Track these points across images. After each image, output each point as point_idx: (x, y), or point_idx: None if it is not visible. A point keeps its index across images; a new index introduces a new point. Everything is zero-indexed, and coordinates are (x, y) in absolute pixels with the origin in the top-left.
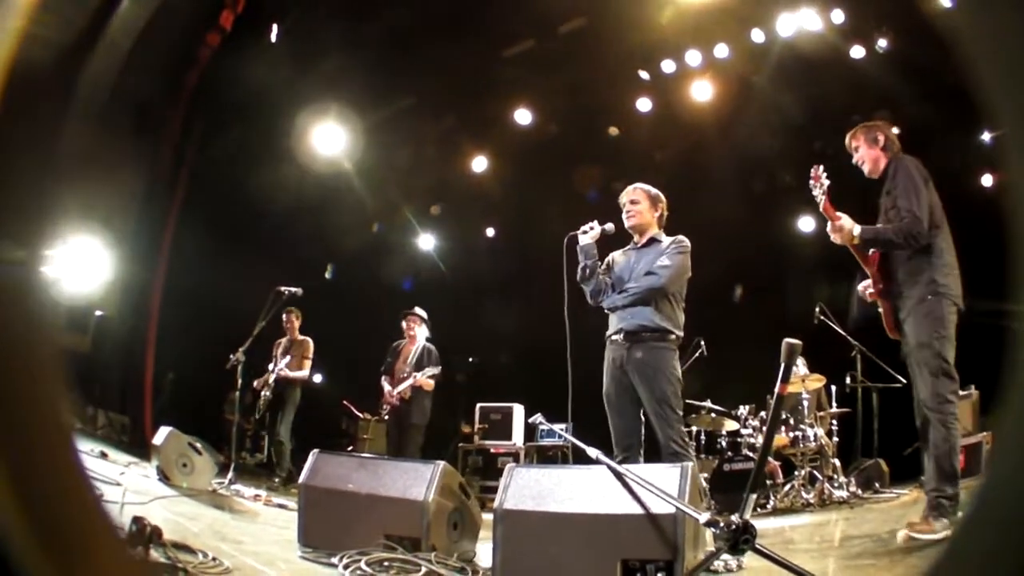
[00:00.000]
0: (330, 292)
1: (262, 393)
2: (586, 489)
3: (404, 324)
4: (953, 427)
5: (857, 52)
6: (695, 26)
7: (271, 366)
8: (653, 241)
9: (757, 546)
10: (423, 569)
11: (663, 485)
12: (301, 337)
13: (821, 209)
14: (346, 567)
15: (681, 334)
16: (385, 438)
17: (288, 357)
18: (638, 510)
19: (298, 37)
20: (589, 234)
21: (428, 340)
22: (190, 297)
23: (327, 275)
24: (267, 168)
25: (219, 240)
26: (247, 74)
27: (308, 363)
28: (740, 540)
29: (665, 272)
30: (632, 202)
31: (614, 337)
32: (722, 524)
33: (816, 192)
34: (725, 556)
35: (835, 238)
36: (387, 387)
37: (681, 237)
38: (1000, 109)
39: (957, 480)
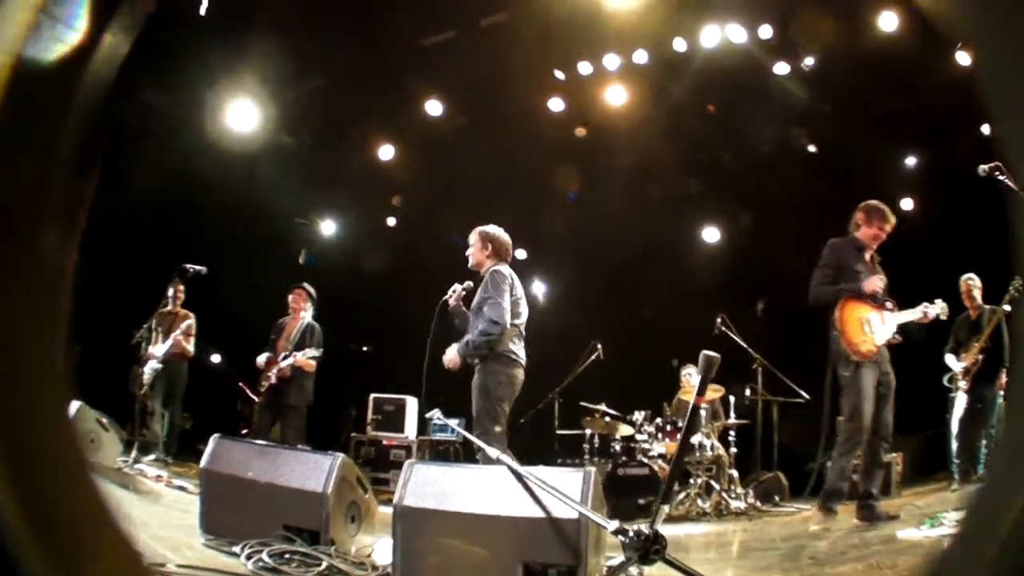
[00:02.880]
0: (229, 272)
1: (149, 365)
2: (487, 489)
3: (290, 298)
4: None
5: (781, 68)
6: (616, 30)
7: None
8: (482, 278)
9: (667, 557)
10: (324, 563)
11: (565, 489)
12: (184, 311)
13: None
14: (248, 558)
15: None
16: (258, 419)
17: (178, 330)
18: (540, 513)
19: (223, 9)
20: (452, 297)
21: (313, 319)
22: (96, 269)
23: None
24: (182, 141)
25: (129, 212)
26: (172, 45)
27: (192, 339)
28: (651, 550)
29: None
30: (469, 244)
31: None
32: (632, 534)
33: None
34: (632, 568)
35: None
36: (260, 361)
37: (495, 268)
38: (1000, 109)
39: None
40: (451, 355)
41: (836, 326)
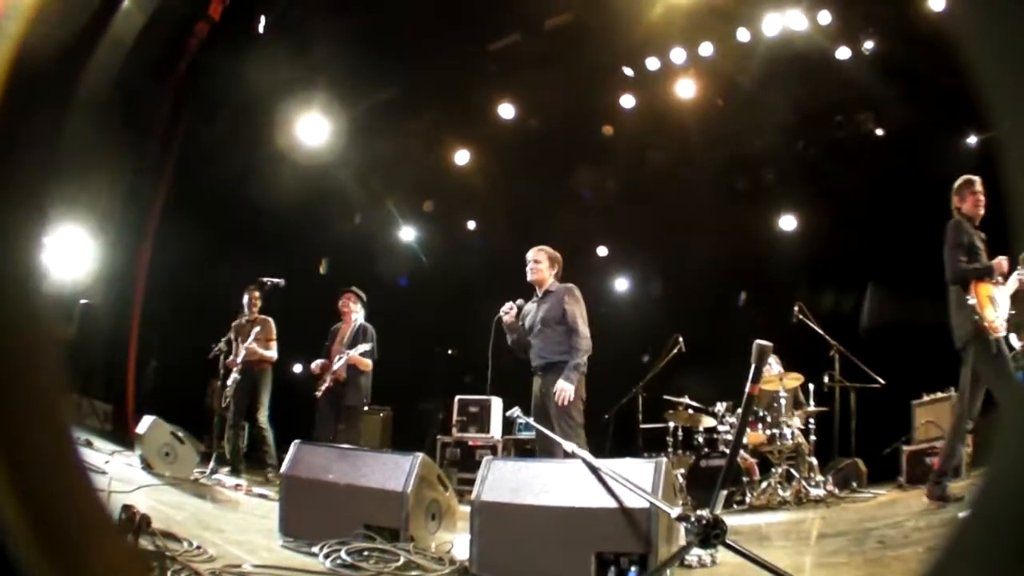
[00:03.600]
0: (310, 284)
1: (231, 375)
2: (562, 482)
3: (340, 303)
4: None
5: (843, 53)
6: (681, 24)
7: (233, 348)
8: (547, 293)
9: (728, 541)
10: (402, 559)
11: (638, 480)
12: (263, 316)
13: None
14: (326, 556)
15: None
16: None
17: (251, 337)
18: (612, 504)
19: (285, 28)
20: (509, 314)
21: (366, 320)
22: (174, 286)
23: (322, 270)
24: (253, 158)
25: (204, 230)
26: (235, 65)
27: (273, 344)
28: (710, 535)
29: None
30: (536, 261)
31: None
32: (692, 519)
33: None
34: (700, 551)
35: None
36: (315, 365)
37: (571, 286)
38: (999, 110)
39: None
40: (565, 387)
41: (973, 305)
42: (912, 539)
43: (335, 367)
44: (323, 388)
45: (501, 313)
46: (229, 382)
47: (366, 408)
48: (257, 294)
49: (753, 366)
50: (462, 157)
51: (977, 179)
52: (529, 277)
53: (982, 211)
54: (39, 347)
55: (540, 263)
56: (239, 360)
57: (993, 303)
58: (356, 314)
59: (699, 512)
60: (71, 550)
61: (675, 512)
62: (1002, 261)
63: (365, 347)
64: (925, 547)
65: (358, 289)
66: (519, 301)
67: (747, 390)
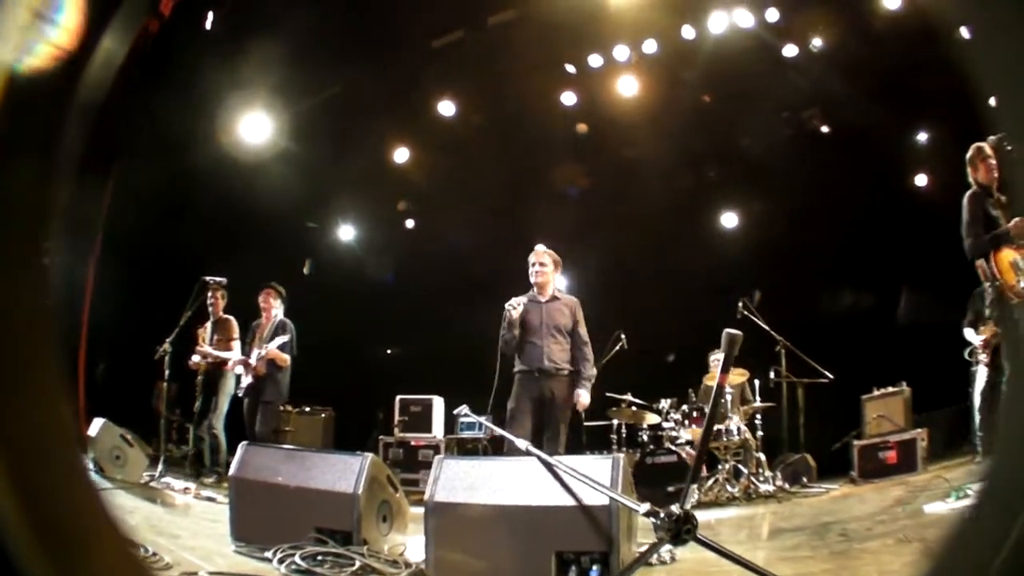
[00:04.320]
0: (252, 284)
1: (198, 377)
2: (517, 481)
3: (260, 299)
4: None
5: (790, 51)
6: (625, 21)
7: (195, 356)
8: (554, 298)
9: (699, 536)
10: (357, 563)
11: (595, 476)
12: (225, 316)
13: None
14: (280, 561)
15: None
16: (246, 421)
17: (214, 338)
18: (571, 502)
19: (231, 23)
20: (518, 310)
21: (285, 316)
22: (120, 287)
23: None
24: (197, 155)
25: (149, 229)
26: (183, 60)
27: (235, 343)
28: (682, 531)
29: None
30: (542, 264)
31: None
32: (663, 515)
33: None
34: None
35: None
36: (233, 362)
37: (577, 300)
38: (1000, 110)
39: None
40: (585, 397)
41: (993, 276)
42: (877, 532)
43: (253, 362)
44: (244, 386)
45: (509, 308)
46: (198, 381)
47: (291, 408)
48: (221, 295)
49: (722, 355)
50: (402, 155)
51: (986, 144)
52: (534, 279)
53: (996, 174)
54: (40, 346)
55: (546, 267)
56: (202, 360)
57: (1016, 269)
58: (276, 310)
59: (670, 508)
60: (71, 550)
61: (643, 508)
62: (1019, 221)
63: (283, 339)
64: (894, 538)
65: (278, 285)
66: (520, 298)
67: (717, 380)
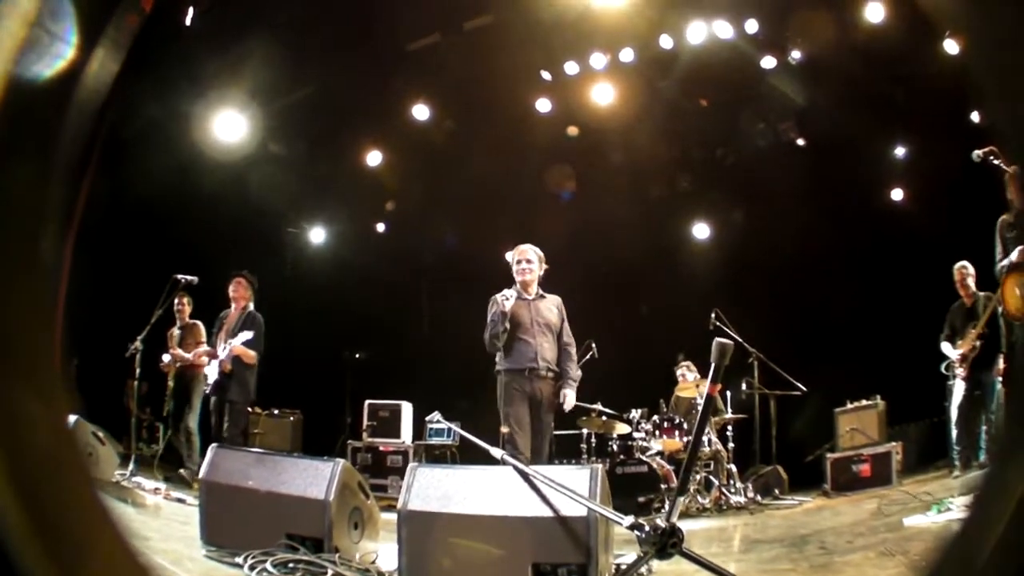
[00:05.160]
0: (221, 283)
1: (169, 381)
2: (493, 490)
3: (230, 288)
4: None
5: (768, 62)
6: (602, 29)
7: (166, 356)
8: (541, 296)
9: (684, 550)
10: (329, 571)
11: (573, 487)
12: (192, 321)
13: None
14: (251, 568)
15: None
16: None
17: (184, 342)
18: (548, 512)
19: (210, 20)
20: (510, 301)
21: (254, 308)
22: (93, 283)
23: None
24: (173, 155)
25: (120, 224)
26: (160, 57)
27: (203, 346)
28: (667, 544)
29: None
30: (528, 261)
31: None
32: (648, 528)
33: None
34: (630, 561)
35: None
36: (199, 352)
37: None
38: (998, 110)
39: None
40: (573, 400)
41: (1002, 305)
42: (858, 544)
43: (221, 357)
44: (211, 382)
45: (501, 299)
46: (168, 387)
47: (259, 410)
48: (187, 301)
49: (713, 365)
50: (375, 158)
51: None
52: (520, 278)
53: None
54: (40, 346)
55: (532, 263)
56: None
57: (1019, 289)
58: (247, 301)
59: (655, 520)
60: (72, 550)
61: (627, 521)
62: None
63: (246, 335)
64: (875, 551)
65: (250, 274)
66: (508, 292)
67: (706, 390)
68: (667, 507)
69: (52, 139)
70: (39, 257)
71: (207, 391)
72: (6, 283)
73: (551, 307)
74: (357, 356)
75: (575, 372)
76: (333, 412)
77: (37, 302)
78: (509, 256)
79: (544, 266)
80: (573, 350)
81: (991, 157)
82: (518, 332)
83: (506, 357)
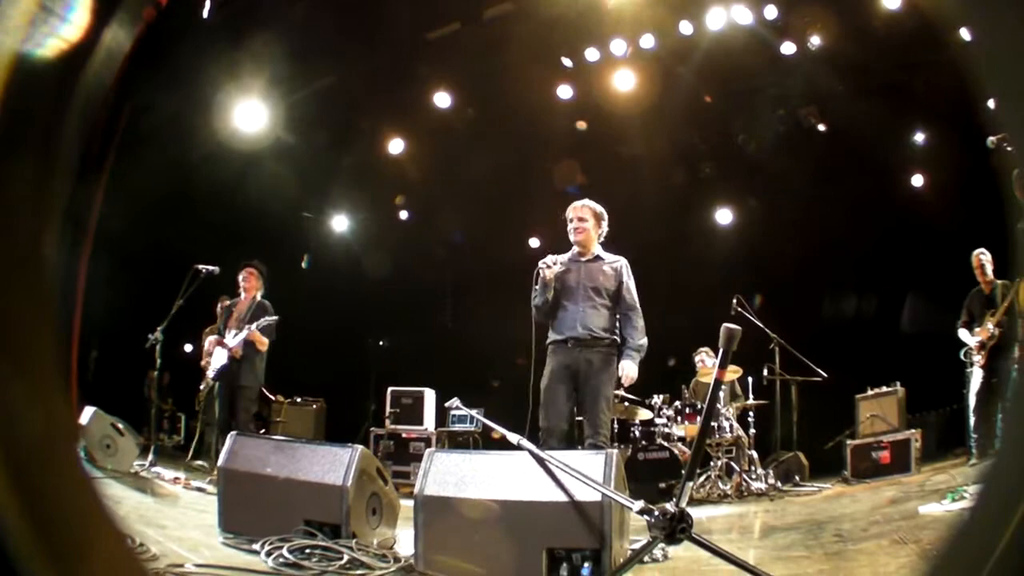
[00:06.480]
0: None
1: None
2: (509, 475)
3: (240, 278)
4: None
5: (788, 48)
6: (623, 16)
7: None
8: (597, 258)
9: (694, 535)
10: (345, 557)
11: (588, 472)
12: (261, 299)
13: None
14: (268, 555)
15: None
16: (217, 405)
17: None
18: (563, 497)
19: (230, 13)
20: (553, 269)
21: (264, 297)
22: (112, 274)
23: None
24: (192, 146)
25: (139, 215)
26: (180, 50)
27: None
28: (677, 529)
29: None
30: (580, 219)
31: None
32: (657, 512)
33: None
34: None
35: None
36: (210, 341)
37: (625, 260)
38: (1003, 111)
39: None
40: (632, 369)
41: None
42: (872, 532)
43: (232, 344)
44: (217, 369)
45: (542, 266)
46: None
47: (282, 399)
48: (255, 275)
49: (721, 351)
50: (397, 146)
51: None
52: (574, 237)
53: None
54: (40, 346)
55: (586, 221)
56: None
57: None
58: (257, 290)
59: (664, 505)
60: (71, 550)
61: (637, 506)
62: None
63: (270, 319)
64: (889, 539)
65: (260, 264)
66: (558, 256)
67: (715, 375)
68: (679, 492)
69: (58, 129)
70: (39, 255)
71: (211, 377)
72: (5, 282)
73: (605, 269)
74: (381, 343)
75: (638, 340)
76: (356, 399)
77: (37, 301)
78: (568, 213)
79: (604, 224)
80: (637, 316)
81: (1004, 143)
82: (562, 298)
83: (552, 327)
